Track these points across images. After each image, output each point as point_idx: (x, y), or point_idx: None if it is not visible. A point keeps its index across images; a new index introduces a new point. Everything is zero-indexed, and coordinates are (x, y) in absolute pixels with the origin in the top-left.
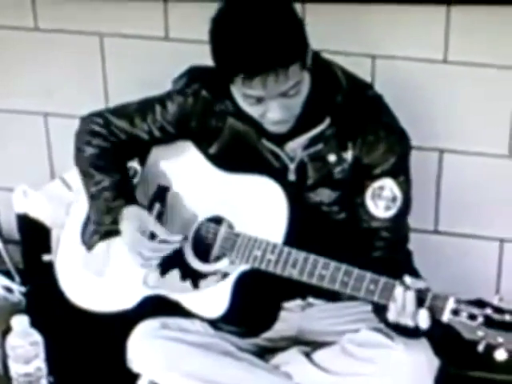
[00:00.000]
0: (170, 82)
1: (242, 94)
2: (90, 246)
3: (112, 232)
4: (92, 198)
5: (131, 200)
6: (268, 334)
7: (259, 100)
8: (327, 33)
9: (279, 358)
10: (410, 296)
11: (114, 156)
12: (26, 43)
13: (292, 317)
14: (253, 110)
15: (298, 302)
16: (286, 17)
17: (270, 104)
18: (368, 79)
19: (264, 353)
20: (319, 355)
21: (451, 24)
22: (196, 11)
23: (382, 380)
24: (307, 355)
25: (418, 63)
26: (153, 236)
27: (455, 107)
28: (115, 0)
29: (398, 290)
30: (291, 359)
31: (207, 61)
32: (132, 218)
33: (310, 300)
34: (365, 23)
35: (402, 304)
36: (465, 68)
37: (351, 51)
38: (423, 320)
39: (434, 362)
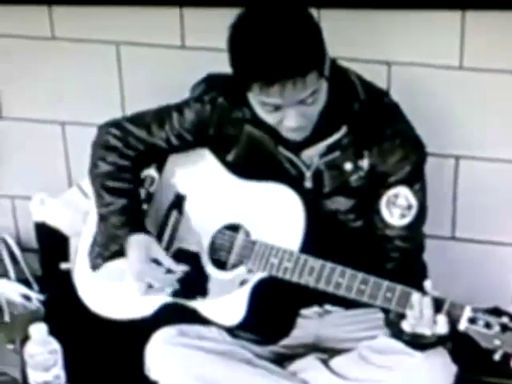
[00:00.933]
0: (186, 91)
1: (259, 101)
2: (94, 267)
3: (115, 258)
4: (100, 218)
5: (139, 227)
6: (285, 341)
7: (277, 108)
8: (342, 40)
9: (297, 365)
10: (427, 301)
11: (127, 175)
12: (43, 52)
13: (309, 324)
14: (270, 118)
15: (316, 308)
16: (305, 25)
17: (288, 112)
18: (384, 86)
19: (281, 360)
20: (337, 362)
21: (466, 30)
22: (212, 20)
23: None
24: (325, 362)
25: (433, 69)
26: (158, 263)
27: (471, 113)
28: (131, 9)
29: (415, 297)
30: (309, 366)
31: (223, 69)
32: (139, 246)
33: (328, 307)
34: (380, 30)
35: (420, 310)
36: (481, 74)
37: (367, 58)
38: (442, 325)
39: (452, 369)
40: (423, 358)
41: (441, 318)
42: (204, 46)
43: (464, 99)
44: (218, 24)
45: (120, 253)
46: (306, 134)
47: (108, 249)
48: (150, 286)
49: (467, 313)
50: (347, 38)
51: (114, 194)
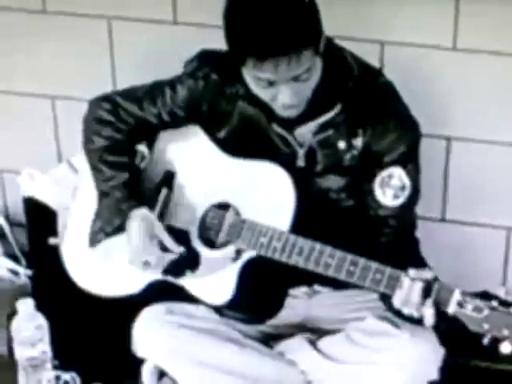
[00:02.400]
0: (177, 67)
1: (253, 76)
2: (94, 242)
3: (118, 232)
4: (102, 194)
5: (141, 202)
6: (274, 321)
7: (271, 83)
8: (336, 19)
9: (284, 345)
10: (417, 287)
11: (124, 148)
12: (34, 26)
13: (298, 304)
14: (264, 93)
15: (304, 289)
16: (301, 2)
17: (282, 88)
18: (376, 65)
19: (269, 339)
20: (324, 343)
21: (460, 10)
22: None
23: (387, 368)
24: (312, 343)
25: (426, 50)
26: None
27: (463, 94)
28: None
29: (405, 279)
30: (296, 346)
31: (215, 45)
32: (141, 222)
33: (316, 287)
34: (374, 9)
35: (407, 293)
36: (474, 55)
37: (360, 37)
38: (428, 317)
39: (440, 351)
40: (411, 340)
41: (429, 310)
42: (196, 22)
43: (456, 80)
44: (210, 0)
45: (122, 227)
46: (300, 111)
47: (111, 223)
48: (146, 263)
49: (456, 296)
50: (341, 17)
51: (115, 168)
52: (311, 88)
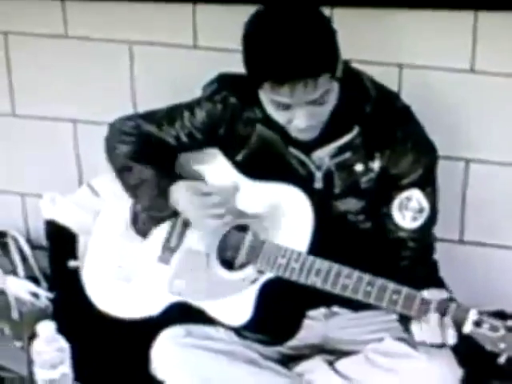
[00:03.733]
0: (197, 90)
1: (270, 99)
2: (145, 233)
3: (165, 216)
4: (136, 187)
5: (176, 177)
6: (292, 342)
7: (287, 107)
8: (354, 41)
9: (303, 367)
10: (434, 319)
11: (148, 152)
12: (56, 50)
13: (316, 325)
14: (279, 116)
15: (323, 310)
16: (319, 27)
17: (297, 111)
18: (395, 88)
19: (288, 361)
20: (343, 364)
21: (478, 33)
22: (224, 20)
23: None
24: (331, 364)
25: (444, 72)
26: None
27: (482, 117)
28: (144, 8)
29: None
30: (315, 368)
31: (234, 69)
32: (184, 191)
33: (335, 309)
34: (392, 32)
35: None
36: (492, 78)
37: (378, 60)
38: (450, 337)
39: (458, 372)
40: (429, 361)
41: (449, 330)
42: (216, 47)
43: (475, 102)
44: (229, 24)
45: (169, 212)
46: (315, 135)
47: (157, 207)
48: (216, 216)
49: (472, 315)
50: (359, 40)
51: (142, 162)
52: (327, 112)
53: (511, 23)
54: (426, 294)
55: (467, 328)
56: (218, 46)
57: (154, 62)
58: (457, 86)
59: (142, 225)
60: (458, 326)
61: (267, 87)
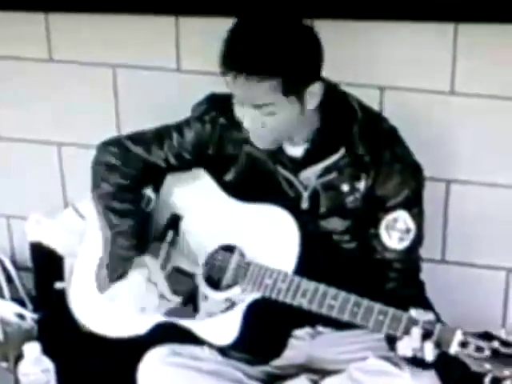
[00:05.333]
0: (181, 113)
1: (231, 92)
2: (102, 289)
3: (122, 279)
4: (107, 240)
5: (146, 248)
6: (277, 362)
7: (240, 103)
8: (335, 64)
9: None
10: (416, 332)
11: (131, 195)
12: (41, 74)
13: (301, 344)
14: (237, 111)
15: (308, 329)
16: (293, 34)
17: (246, 111)
18: (376, 110)
19: (273, 380)
20: (327, 383)
21: (457, 55)
22: (207, 43)
23: None
24: (315, 383)
25: (425, 94)
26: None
27: (462, 138)
28: (128, 32)
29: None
30: None
31: (219, 91)
32: (141, 269)
33: (319, 328)
34: (372, 54)
35: (409, 339)
36: (472, 99)
37: (360, 83)
38: (429, 353)
39: None
40: (412, 379)
41: (428, 345)
42: (199, 70)
43: (455, 124)
44: (213, 48)
45: (126, 274)
46: (272, 147)
47: (116, 270)
48: (143, 310)
49: (458, 336)
50: (340, 63)
51: (120, 216)
52: (277, 126)
53: (490, 46)
54: (413, 313)
55: (453, 349)
56: (202, 69)
57: (137, 85)
58: (437, 107)
59: (101, 281)
60: (444, 346)
61: (228, 80)
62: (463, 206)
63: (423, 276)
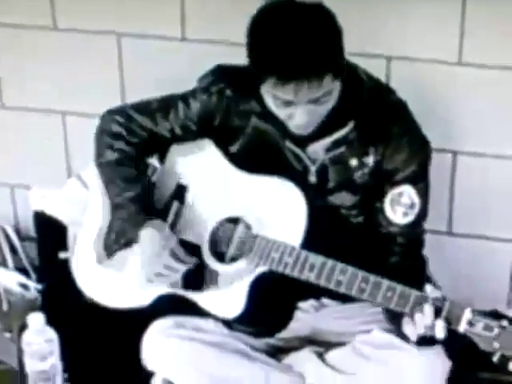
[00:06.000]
0: (186, 83)
1: (272, 95)
2: (110, 254)
3: (132, 244)
4: (116, 207)
5: (153, 215)
6: (282, 334)
7: (288, 103)
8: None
9: (292, 358)
10: (428, 309)
11: (136, 162)
12: (45, 42)
13: (306, 317)
14: (280, 112)
15: (312, 302)
16: (327, 25)
17: (298, 109)
18: (383, 80)
19: (277, 352)
20: (332, 355)
21: (466, 25)
22: (213, 12)
23: (394, 381)
24: (320, 355)
25: (432, 64)
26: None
27: (469, 109)
28: (133, 1)
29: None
30: (304, 359)
31: (223, 61)
32: (154, 233)
33: (324, 300)
34: (380, 24)
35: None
36: (479, 70)
37: (366, 52)
38: (439, 331)
39: (446, 364)
40: (417, 352)
41: (439, 323)
42: (205, 39)
43: (462, 95)
44: (218, 16)
45: (136, 239)
46: (311, 130)
47: (125, 235)
48: (159, 275)
49: (467, 315)
50: (347, 33)
51: (127, 182)
52: (327, 109)
53: (498, 15)
54: (428, 289)
55: (462, 327)
56: (207, 38)
57: (142, 54)
58: (445, 78)
59: (108, 246)
60: (453, 324)
61: (270, 83)
62: (470, 178)
63: (429, 249)
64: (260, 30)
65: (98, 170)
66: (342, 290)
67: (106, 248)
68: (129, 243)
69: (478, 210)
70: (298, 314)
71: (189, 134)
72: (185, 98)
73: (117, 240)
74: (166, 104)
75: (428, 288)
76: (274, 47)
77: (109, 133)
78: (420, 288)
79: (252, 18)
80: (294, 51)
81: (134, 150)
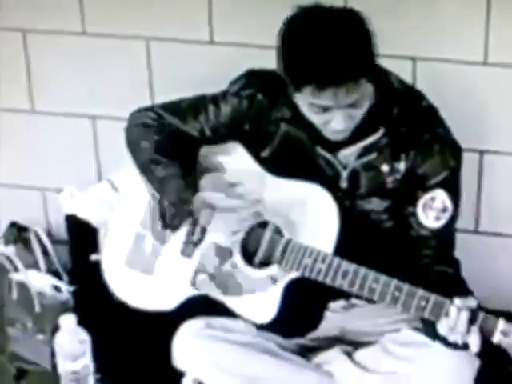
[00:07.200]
0: (214, 86)
1: (308, 102)
2: (175, 227)
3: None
4: (163, 180)
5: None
6: (311, 334)
7: (325, 109)
8: None
9: (321, 357)
10: (463, 316)
11: (172, 144)
12: (74, 47)
13: (335, 317)
14: (316, 119)
15: (341, 302)
16: (359, 29)
17: (336, 114)
18: (409, 81)
19: (306, 352)
20: (361, 354)
21: (491, 25)
22: (240, 15)
23: (423, 379)
24: (349, 354)
25: (458, 65)
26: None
27: (495, 108)
28: (161, 5)
29: (452, 308)
30: (333, 358)
31: (251, 64)
32: (210, 186)
33: (353, 301)
34: (405, 25)
35: (455, 322)
36: (505, 69)
37: (392, 53)
38: (474, 344)
39: (475, 363)
40: (447, 351)
41: (475, 336)
42: (232, 42)
43: (488, 94)
44: (246, 20)
45: (190, 215)
46: (347, 135)
47: (183, 200)
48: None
49: (501, 326)
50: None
51: (169, 155)
52: (362, 113)
53: None
54: (456, 301)
55: (496, 338)
56: (234, 41)
57: (170, 58)
58: (470, 78)
59: (170, 220)
60: (486, 334)
61: (308, 91)
62: (497, 177)
63: (455, 246)
64: (294, 41)
65: (132, 156)
66: (376, 298)
67: (168, 227)
68: (189, 212)
69: (504, 208)
70: (327, 314)
71: (218, 136)
72: (215, 100)
73: (177, 212)
74: (196, 105)
75: (459, 301)
76: (311, 57)
77: (141, 124)
78: (453, 293)
79: (283, 28)
80: (330, 58)
81: (166, 138)
